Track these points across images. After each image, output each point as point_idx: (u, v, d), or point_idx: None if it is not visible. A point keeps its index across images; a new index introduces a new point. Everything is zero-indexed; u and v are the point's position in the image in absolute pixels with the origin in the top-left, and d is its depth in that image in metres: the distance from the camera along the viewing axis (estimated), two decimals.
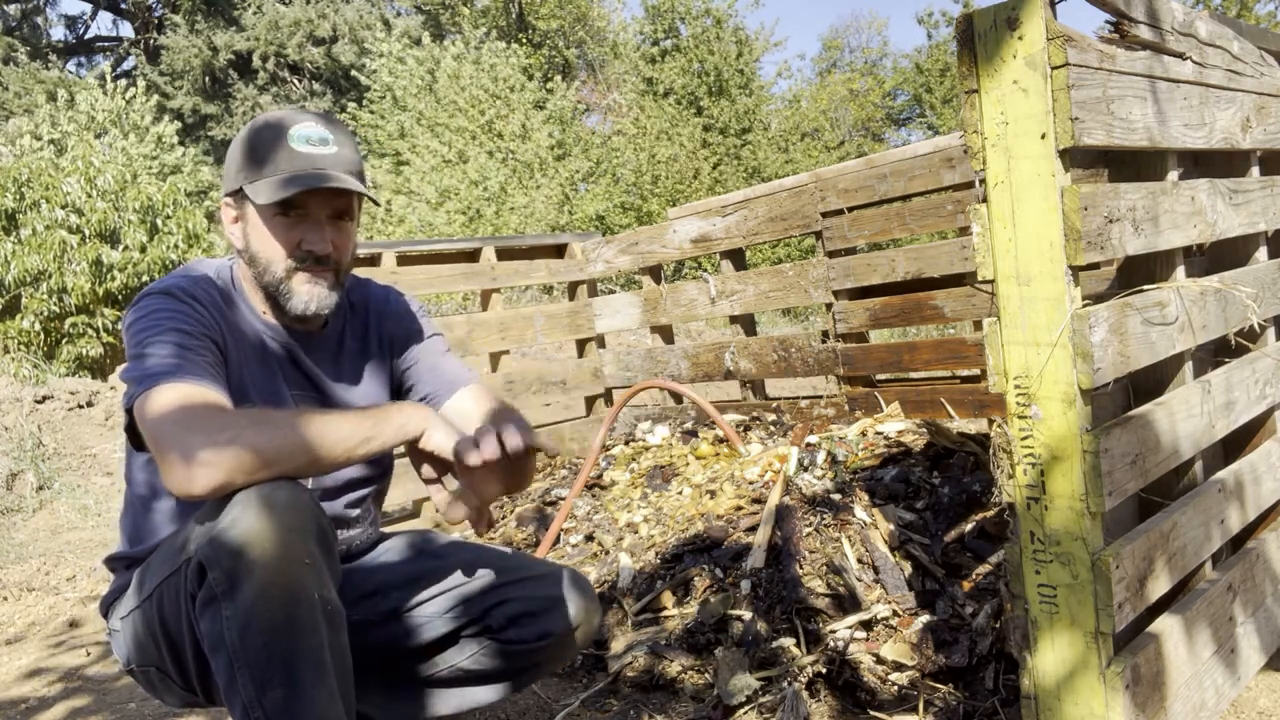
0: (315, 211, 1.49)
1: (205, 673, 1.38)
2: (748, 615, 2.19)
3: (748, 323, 3.79)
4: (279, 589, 1.22)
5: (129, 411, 1.34)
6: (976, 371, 3.25)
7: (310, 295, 1.51)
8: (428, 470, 1.46)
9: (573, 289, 4.19)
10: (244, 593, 1.21)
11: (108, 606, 1.56)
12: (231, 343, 1.49)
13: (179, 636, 1.38)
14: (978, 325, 3.22)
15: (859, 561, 2.31)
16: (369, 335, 1.69)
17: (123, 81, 16.47)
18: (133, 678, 1.55)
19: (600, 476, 3.30)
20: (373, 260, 3.57)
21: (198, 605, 1.26)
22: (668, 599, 2.40)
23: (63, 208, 8.28)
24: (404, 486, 3.41)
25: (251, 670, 1.22)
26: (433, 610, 1.61)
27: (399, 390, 1.73)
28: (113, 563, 1.57)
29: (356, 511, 1.68)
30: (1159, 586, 1.46)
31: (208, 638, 1.26)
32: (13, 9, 22.28)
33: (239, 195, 1.50)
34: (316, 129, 1.49)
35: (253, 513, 1.22)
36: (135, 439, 1.37)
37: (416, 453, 1.44)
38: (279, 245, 1.48)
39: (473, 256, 3.80)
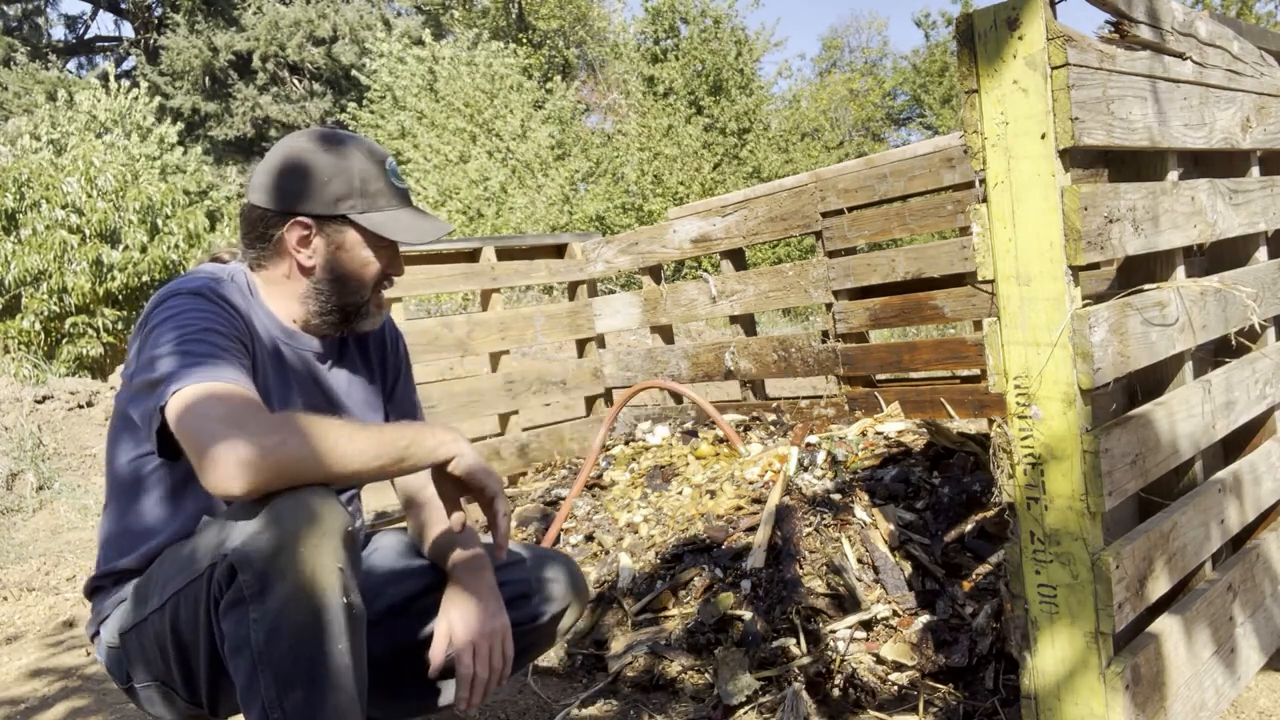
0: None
1: (216, 682, 1.38)
2: (748, 615, 2.19)
3: (748, 323, 3.79)
4: (309, 593, 1.23)
5: (161, 409, 1.29)
6: (976, 371, 3.25)
7: (380, 314, 1.64)
8: (450, 493, 1.49)
9: (573, 289, 4.19)
10: (275, 595, 1.22)
11: (97, 628, 1.55)
12: (257, 348, 1.51)
13: (193, 645, 1.37)
14: (978, 325, 3.22)
15: (859, 561, 2.31)
16: (369, 351, 1.74)
17: (125, 82, 16.46)
18: (130, 697, 1.53)
19: (600, 476, 3.30)
20: None
21: (222, 607, 1.27)
22: (668, 599, 2.40)
23: (63, 207, 8.27)
24: None
25: (275, 671, 1.24)
26: (426, 604, 1.62)
27: None
28: (98, 581, 1.54)
29: (352, 506, 1.72)
30: (1159, 586, 1.46)
31: (229, 639, 1.26)
32: (13, 9, 22.28)
33: (333, 220, 1.52)
34: (391, 159, 1.59)
35: (287, 517, 1.23)
36: (162, 443, 1.32)
37: (442, 475, 1.46)
38: (376, 272, 1.57)
39: (473, 256, 3.80)
